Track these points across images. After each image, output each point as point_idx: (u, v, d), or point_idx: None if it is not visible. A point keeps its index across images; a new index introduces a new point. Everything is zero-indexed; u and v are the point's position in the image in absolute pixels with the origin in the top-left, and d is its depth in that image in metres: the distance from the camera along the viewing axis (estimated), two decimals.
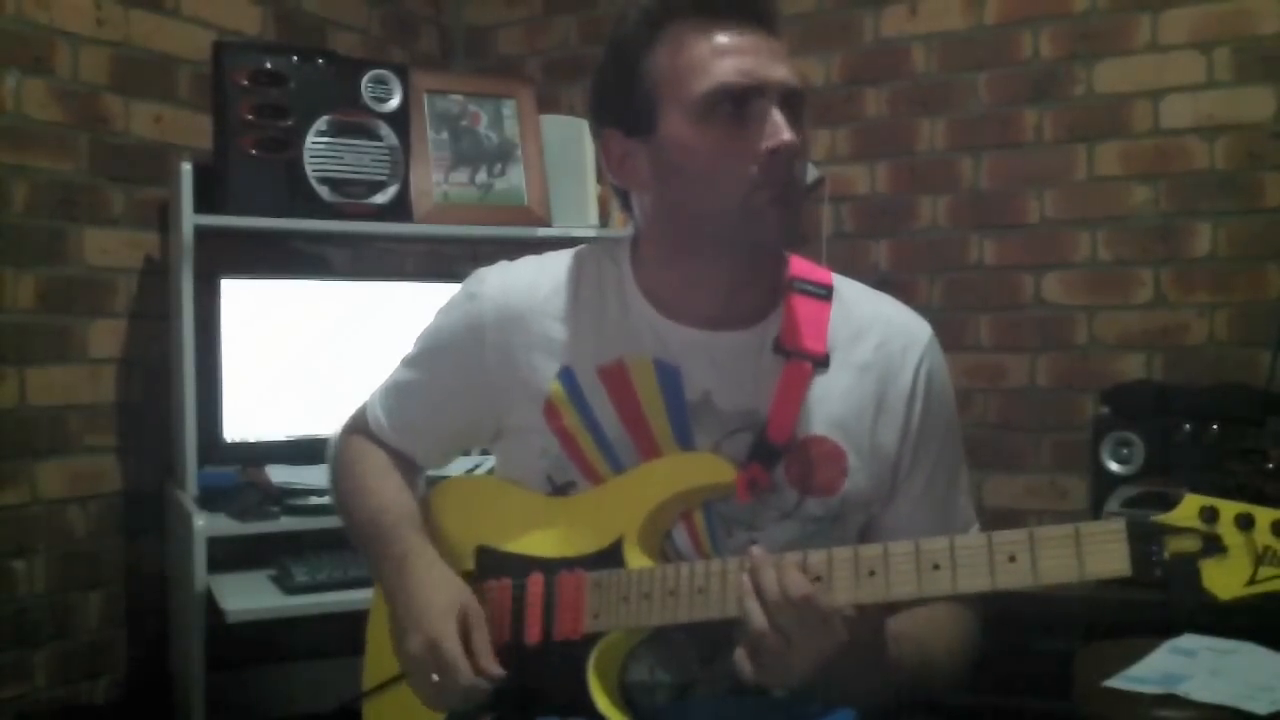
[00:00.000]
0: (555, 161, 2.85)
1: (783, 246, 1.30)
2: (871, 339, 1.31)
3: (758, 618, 1.09)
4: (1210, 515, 1.03)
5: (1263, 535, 1.01)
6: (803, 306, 1.30)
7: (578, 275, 1.34)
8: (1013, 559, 1.08)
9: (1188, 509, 1.04)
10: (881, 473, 1.29)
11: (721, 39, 1.21)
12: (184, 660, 2.37)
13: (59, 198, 2.43)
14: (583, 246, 1.40)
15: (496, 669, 1.22)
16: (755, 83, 1.20)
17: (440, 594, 1.26)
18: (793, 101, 1.22)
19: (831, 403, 1.27)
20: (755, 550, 1.12)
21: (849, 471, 1.27)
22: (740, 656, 1.11)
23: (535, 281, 1.34)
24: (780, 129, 1.19)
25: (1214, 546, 1.02)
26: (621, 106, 1.26)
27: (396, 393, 1.45)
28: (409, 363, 1.44)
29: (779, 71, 1.21)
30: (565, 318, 1.32)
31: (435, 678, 1.22)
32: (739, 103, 1.20)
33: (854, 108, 3.05)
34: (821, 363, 1.28)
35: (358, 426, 1.49)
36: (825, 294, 1.32)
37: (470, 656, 1.22)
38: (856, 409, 1.28)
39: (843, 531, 1.28)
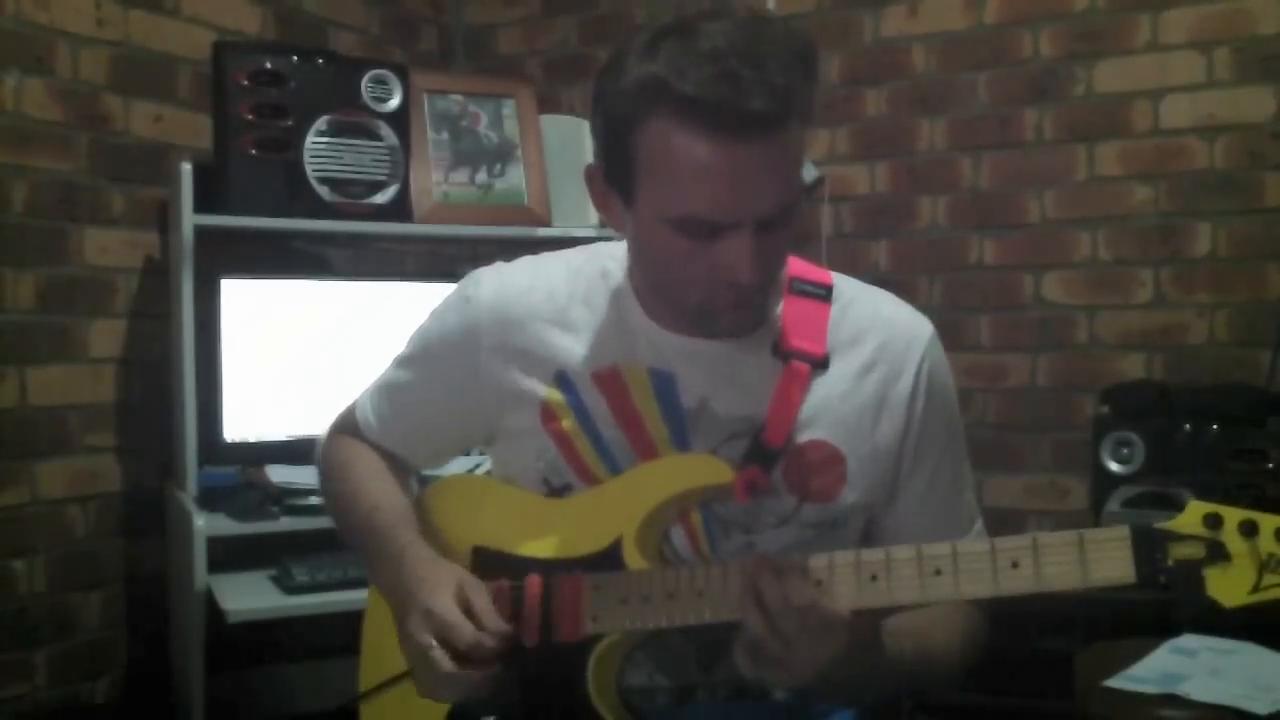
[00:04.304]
0: (555, 161, 2.85)
1: (737, 334, 1.27)
2: (872, 339, 1.30)
3: (757, 623, 1.08)
4: (1214, 522, 1.02)
5: (1266, 542, 1.00)
6: (802, 308, 1.29)
7: (574, 279, 1.33)
8: (1016, 565, 1.08)
9: (1191, 515, 1.03)
10: (881, 476, 1.29)
11: (707, 153, 1.10)
12: (184, 660, 2.37)
13: (59, 198, 2.43)
14: (580, 248, 1.39)
15: (501, 624, 1.17)
16: (729, 219, 1.13)
17: (438, 572, 1.23)
18: (776, 218, 1.15)
19: (831, 405, 1.27)
20: (758, 557, 1.12)
21: (847, 477, 1.26)
22: (739, 653, 1.11)
23: (531, 285, 1.33)
24: (741, 269, 1.14)
25: (1218, 553, 1.01)
26: (608, 157, 1.21)
27: (388, 393, 1.44)
28: (401, 364, 1.43)
29: (760, 201, 1.13)
30: (561, 322, 1.31)
31: (435, 653, 1.15)
32: (710, 228, 1.14)
33: (854, 108, 3.05)
34: (821, 365, 1.27)
35: (346, 427, 1.48)
36: (825, 294, 1.31)
37: (472, 619, 1.17)
38: (857, 411, 1.27)
39: (843, 537, 1.27)
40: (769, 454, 1.24)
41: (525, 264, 1.38)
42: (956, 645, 1.27)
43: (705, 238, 1.15)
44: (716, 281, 1.17)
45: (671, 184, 1.13)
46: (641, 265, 1.27)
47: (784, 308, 1.29)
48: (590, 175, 1.26)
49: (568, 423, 1.29)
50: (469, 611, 1.18)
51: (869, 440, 1.27)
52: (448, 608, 1.18)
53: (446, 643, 1.16)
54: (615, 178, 1.21)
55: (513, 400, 1.31)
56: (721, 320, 1.23)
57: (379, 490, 1.40)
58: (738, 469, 1.23)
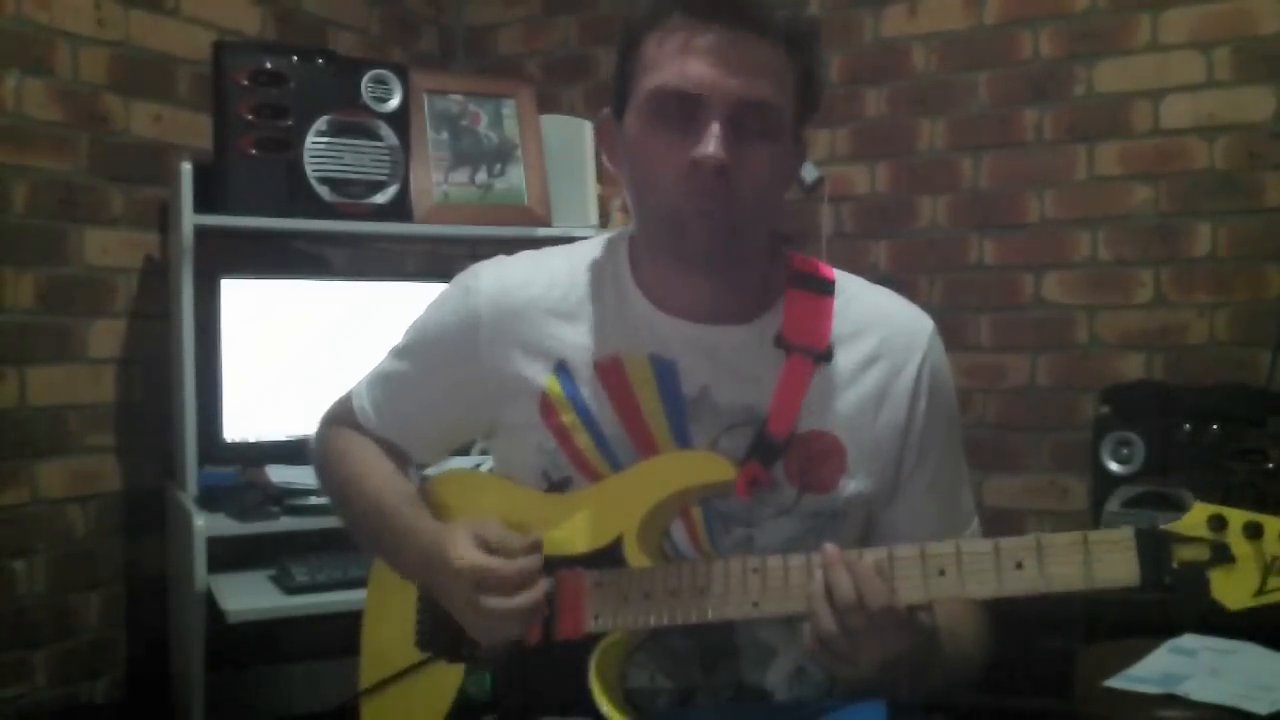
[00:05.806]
0: (555, 161, 2.86)
1: (712, 264, 1.24)
2: (874, 334, 1.30)
3: (827, 620, 1.10)
4: (1218, 524, 1.02)
5: (1271, 544, 1.00)
6: (804, 301, 1.30)
7: (574, 270, 1.34)
8: (1020, 565, 1.08)
9: (1196, 517, 1.03)
10: (882, 469, 1.29)
11: (698, 39, 1.16)
12: (184, 660, 2.37)
13: (59, 198, 2.43)
14: (581, 242, 1.40)
15: (526, 541, 1.22)
16: (699, 91, 1.15)
17: (452, 531, 1.26)
18: (751, 116, 1.17)
19: (833, 398, 1.27)
20: (829, 548, 1.12)
21: (848, 468, 1.27)
22: (809, 646, 1.12)
23: (532, 277, 1.33)
24: (707, 142, 1.14)
25: (1222, 556, 1.02)
26: (616, 89, 1.27)
27: (385, 384, 1.43)
28: (399, 354, 1.43)
29: (735, 82, 1.15)
30: (561, 313, 1.31)
31: (484, 597, 1.19)
32: (683, 108, 1.16)
33: (854, 108, 3.05)
34: (824, 358, 1.27)
35: (341, 417, 1.48)
36: (827, 289, 1.32)
37: (499, 553, 1.22)
38: (858, 404, 1.28)
39: (842, 528, 1.27)
40: (773, 445, 1.24)
41: (525, 256, 1.38)
42: (981, 640, 1.28)
43: (678, 127, 1.17)
44: (691, 177, 1.17)
45: (655, 67, 1.19)
46: (631, 187, 1.26)
47: (786, 299, 1.30)
48: (600, 121, 1.31)
49: (567, 417, 1.29)
50: (492, 550, 1.22)
51: (870, 432, 1.28)
52: (473, 554, 1.22)
53: (489, 585, 1.20)
54: (617, 100, 1.25)
55: (512, 392, 1.31)
56: (690, 235, 1.20)
57: (381, 474, 1.40)
58: (739, 464, 1.23)
